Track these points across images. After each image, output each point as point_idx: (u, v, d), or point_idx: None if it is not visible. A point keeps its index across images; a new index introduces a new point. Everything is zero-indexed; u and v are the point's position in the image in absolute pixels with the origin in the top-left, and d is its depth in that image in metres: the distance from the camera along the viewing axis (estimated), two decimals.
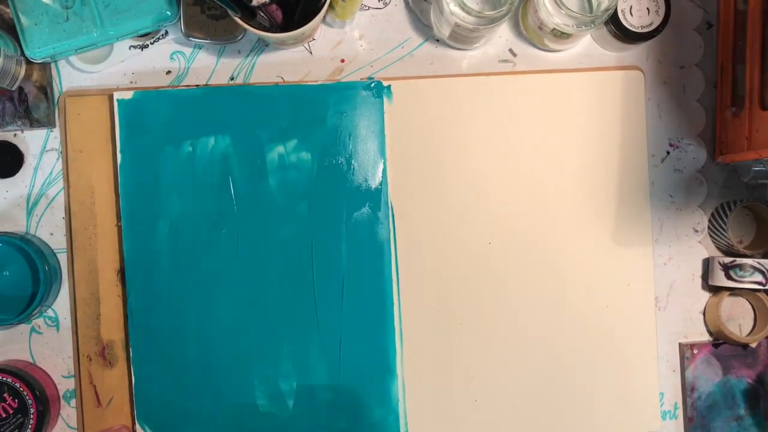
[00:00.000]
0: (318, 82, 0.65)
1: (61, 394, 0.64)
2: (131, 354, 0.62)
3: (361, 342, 0.63)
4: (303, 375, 0.63)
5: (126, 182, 0.62)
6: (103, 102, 0.63)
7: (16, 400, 0.60)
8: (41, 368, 0.64)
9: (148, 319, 0.62)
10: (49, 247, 0.64)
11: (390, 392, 0.63)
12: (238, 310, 0.62)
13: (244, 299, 0.62)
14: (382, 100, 0.63)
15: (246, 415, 0.63)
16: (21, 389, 0.59)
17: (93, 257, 0.63)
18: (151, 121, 0.62)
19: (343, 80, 0.65)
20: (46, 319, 0.64)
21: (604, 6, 0.60)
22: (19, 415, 0.59)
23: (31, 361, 0.64)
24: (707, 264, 0.66)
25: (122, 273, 0.63)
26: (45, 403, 0.60)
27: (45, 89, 0.63)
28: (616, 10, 0.61)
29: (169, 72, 0.65)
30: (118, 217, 0.63)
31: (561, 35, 0.61)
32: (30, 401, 0.59)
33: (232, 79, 0.65)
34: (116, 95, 0.62)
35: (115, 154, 0.63)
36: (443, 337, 0.64)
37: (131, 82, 0.64)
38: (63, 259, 0.64)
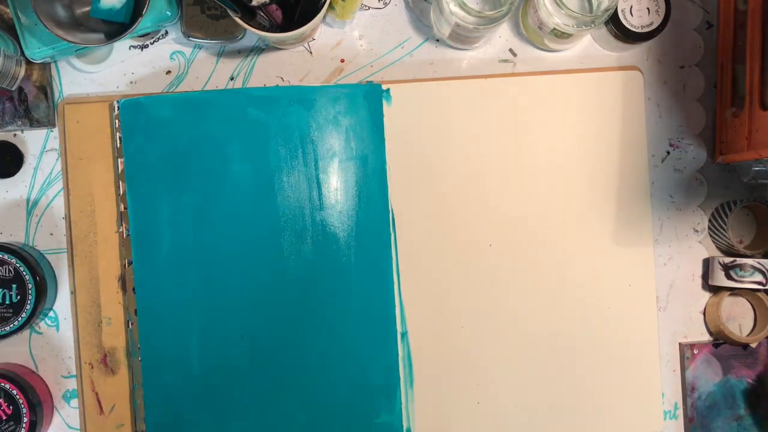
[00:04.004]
0: (317, 84, 0.65)
1: (61, 394, 0.64)
2: (143, 368, 0.62)
3: (364, 345, 0.63)
4: (307, 379, 0.63)
5: (132, 189, 0.62)
6: (102, 109, 0.63)
7: (11, 408, 0.59)
8: (39, 376, 0.64)
9: (156, 326, 0.62)
10: (46, 259, 0.64)
11: (394, 396, 0.63)
12: (244, 312, 0.62)
13: (249, 302, 0.62)
14: (381, 103, 0.63)
15: (252, 423, 0.63)
16: (17, 397, 0.59)
17: (94, 264, 0.63)
18: (151, 126, 0.62)
19: (343, 80, 0.65)
20: (46, 320, 0.64)
21: (604, 6, 0.60)
22: (11, 423, 0.59)
23: (31, 361, 0.64)
24: (707, 264, 0.66)
25: (123, 280, 0.63)
26: (39, 413, 0.60)
27: (45, 89, 0.63)
28: (616, 10, 0.61)
29: (169, 72, 0.65)
30: (119, 224, 0.63)
31: (561, 35, 0.61)
32: (24, 410, 0.59)
33: (232, 79, 0.65)
34: (116, 101, 0.62)
35: (116, 160, 0.63)
36: (445, 339, 0.64)
37: (131, 82, 0.64)
38: (63, 258, 0.64)
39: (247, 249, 0.62)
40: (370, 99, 0.63)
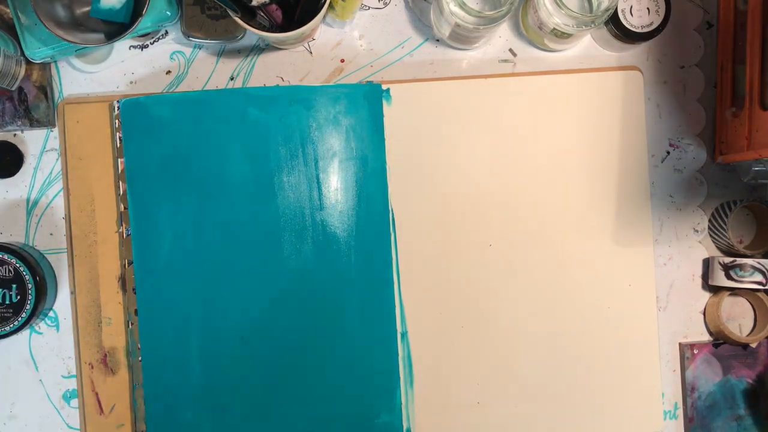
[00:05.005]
0: (317, 84, 0.65)
1: (61, 394, 0.64)
2: (143, 368, 0.62)
3: (364, 345, 0.63)
4: (307, 379, 0.63)
5: (132, 189, 0.62)
6: (103, 109, 0.63)
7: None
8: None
9: (156, 326, 0.62)
10: (46, 259, 0.64)
11: (394, 396, 0.63)
12: (243, 312, 0.62)
13: (249, 302, 0.62)
14: (381, 103, 0.63)
15: (252, 423, 0.63)
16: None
17: (94, 264, 0.63)
18: (152, 126, 0.62)
19: (343, 80, 0.65)
20: (46, 320, 0.64)
21: (604, 6, 0.60)
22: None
23: (31, 361, 0.64)
24: (707, 264, 0.66)
25: (123, 280, 0.63)
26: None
27: (45, 89, 0.63)
28: (616, 10, 0.61)
29: (169, 72, 0.65)
30: (119, 224, 0.63)
31: (561, 35, 0.61)
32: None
33: (232, 79, 0.65)
34: (116, 101, 0.62)
35: (116, 160, 0.63)
36: (445, 339, 0.64)
37: (131, 83, 0.64)
38: (63, 258, 0.64)
39: (247, 249, 0.62)
40: (370, 99, 0.63)
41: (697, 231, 0.66)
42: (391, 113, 0.64)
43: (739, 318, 0.67)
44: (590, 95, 0.65)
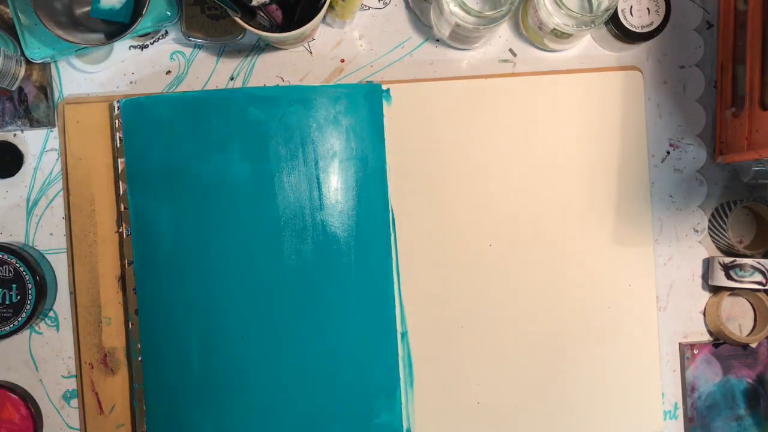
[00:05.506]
0: (317, 84, 0.65)
1: (61, 394, 0.64)
2: (143, 368, 0.62)
3: (364, 345, 0.63)
4: (307, 379, 0.63)
5: (132, 189, 0.62)
6: (103, 109, 0.63)
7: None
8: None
9: (156, 326, 0.62)
10: (46, 259, 0.64)
11: (394, 396, 0.63)
12: (243, 312, 0.62)
13: (249, 302, 0.62)
14: (381, 103, 0.63)
15: (252, 423, 0.63)
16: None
17: (93, 264, 0.63)
18: (152, 126, 0.62)
19: (343, 80, 0.65)
20: (46, 320, 0.64)
21: (604, 6, 0.60)
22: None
23: (31, 361, 0.64)
24: (707, 264, 0.66)
25: (123, 280, 0.63)
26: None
27: (45, 89, 0.63)
28: (616, 10, 0.61)
29: (169, 72, 0.65)
30: (119, 224, 0.63)
31: (561, 35, 0.61)
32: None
33: (232, 79, 0.65)
34: (116, 101, 0.62)
35: (116, 160, 0.63)
36: (445, 339, 0.64)
37: (131, 83, 0.64)
38: (63, 258, 0.64)
39: (247, 249, 0.62)
40: (370, 99, 0.63)
41: (697, 231, 0.66)
42: (391, 113, 0.64)
43: (739, 318, 0.67)
44: (590, 95, 0.65)
